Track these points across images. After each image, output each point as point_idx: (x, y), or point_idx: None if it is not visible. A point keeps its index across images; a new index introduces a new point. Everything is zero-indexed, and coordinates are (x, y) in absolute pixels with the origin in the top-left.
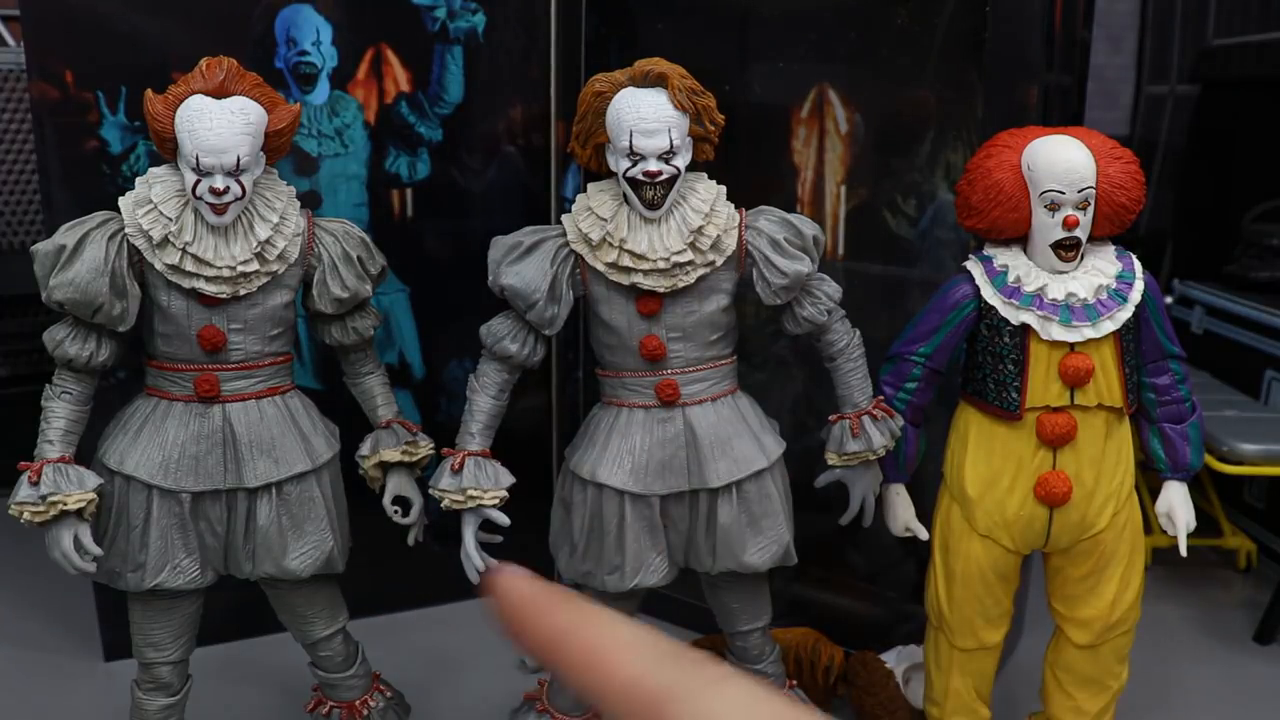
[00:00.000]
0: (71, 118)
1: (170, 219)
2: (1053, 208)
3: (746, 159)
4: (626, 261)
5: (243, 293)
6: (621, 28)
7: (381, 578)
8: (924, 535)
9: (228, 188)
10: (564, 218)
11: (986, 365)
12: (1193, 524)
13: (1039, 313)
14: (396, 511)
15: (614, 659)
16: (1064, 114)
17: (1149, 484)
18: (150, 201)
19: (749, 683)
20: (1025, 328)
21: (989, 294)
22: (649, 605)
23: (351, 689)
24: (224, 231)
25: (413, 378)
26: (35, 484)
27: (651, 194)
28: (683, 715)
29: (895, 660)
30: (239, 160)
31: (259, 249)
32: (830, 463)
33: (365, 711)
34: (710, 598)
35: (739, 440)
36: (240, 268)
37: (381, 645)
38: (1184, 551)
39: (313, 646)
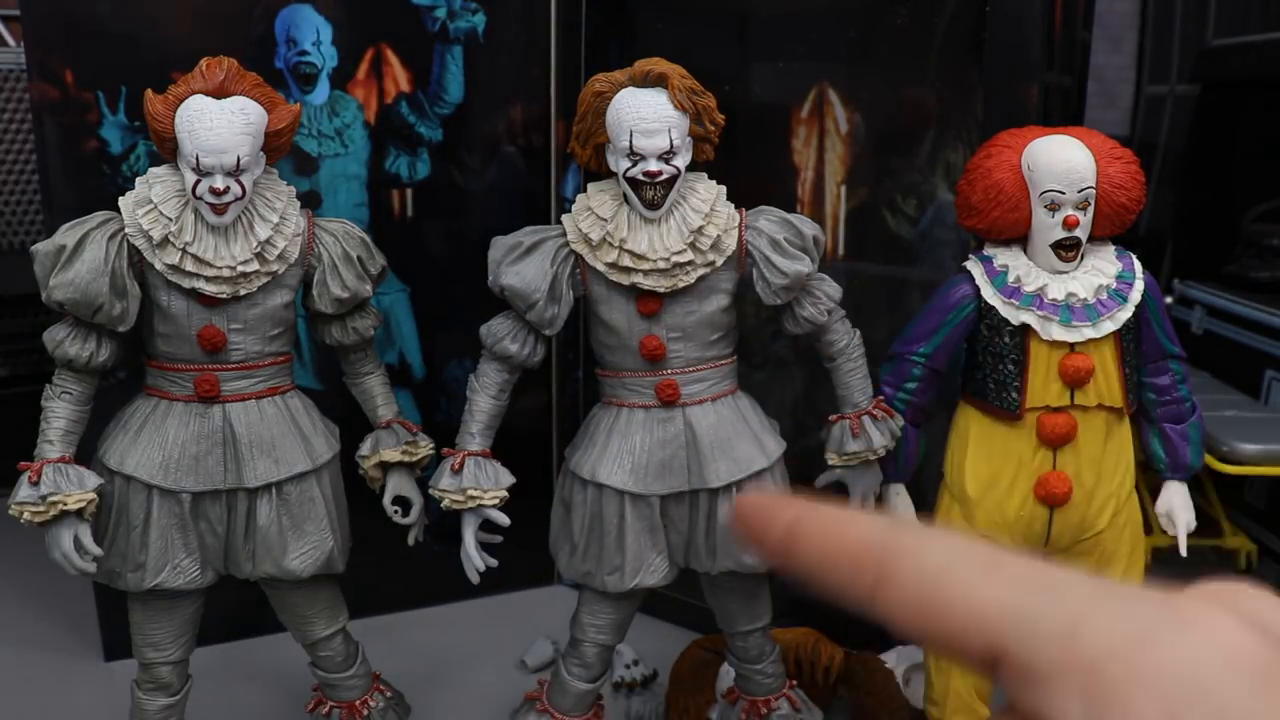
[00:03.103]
0: (71, 118)
1: (170, 219)
2: (1053, 208)
3: (746, 159)
4: (626, 261)
5: (243, 293)
6: (621, 28)
7: (381, 578)
8: None
9: (228, 188)
10: (564, 218)
11: (986, 365)
12: (1193, 524)
13: (1039, 313)
14: (396, 511)
15: (841, 529)
16: (1064, 114)
17: (1149, 484)
18: (150, 201)
19: (960, 536)
20: (1025, 328)
21: (989, 294)
22: (649, 605)
23: (351, 689)
24: (224, 231)
25: (413, 378)
26: (35, 484)
27: (651, 194)
28: (904, 569)
29: (895, 660)
30: (239, 160)
31: (259, 249)
32: (830, 463)
33: (365, 711)
34: (710, 598)
35: (739, 440)
36: (240, 268)
37: (381, 645)
38: (1184, 551)
39: (313, 646)
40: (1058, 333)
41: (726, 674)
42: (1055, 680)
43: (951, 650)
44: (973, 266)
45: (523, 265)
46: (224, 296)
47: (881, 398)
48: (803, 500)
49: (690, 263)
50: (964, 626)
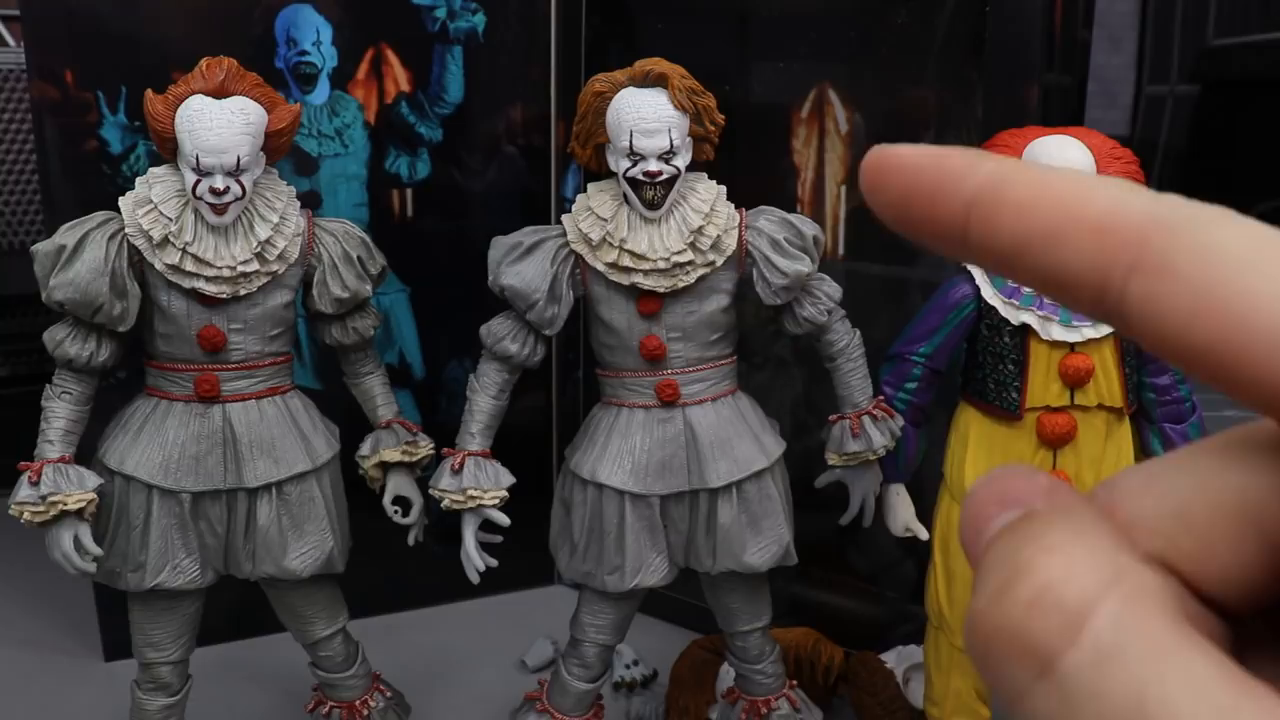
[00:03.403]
0: (71, 118)
1: (170, 219)
2: None
3: (746, 159)
4: (626, 261)
5: (243, 293)
6: (621, 28)
7: (381, 578)
8: (924, 535)
9: (228, 188)
10: (564, 218)
11: (986, 365)
12: None
13: (1039, 313)
14: (396, 511)
15: (1079, 191)
16: (1064, 114)
17: None
18: (150, 201)
19: (1252, 221)
20: (1025, 328)
21: (989, 294)
22: (649, 605)
23: (351, 689)
24: (224, 231)
25: (413, 378)
26: (35, 484)
27: (651, 194)
28: (1179, 247)
29: (895, 660)
30: (239, 160)
31: (259, 249)
32: (830, 463)
33: (365, 711)
34: (710, 598)
35: (739, 440)
36: (240, 268)
37: (381, 645)
38: None
39: (313, 646)
40: (1058, 333)
41: (726, 674)
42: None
43: (1239, 378)
44: (973, 266)
45: (523, 265)
46: (224, 296)
47: (881, 398)
48: (992, 154)
49: (690, 263)
50: (1272, 342)
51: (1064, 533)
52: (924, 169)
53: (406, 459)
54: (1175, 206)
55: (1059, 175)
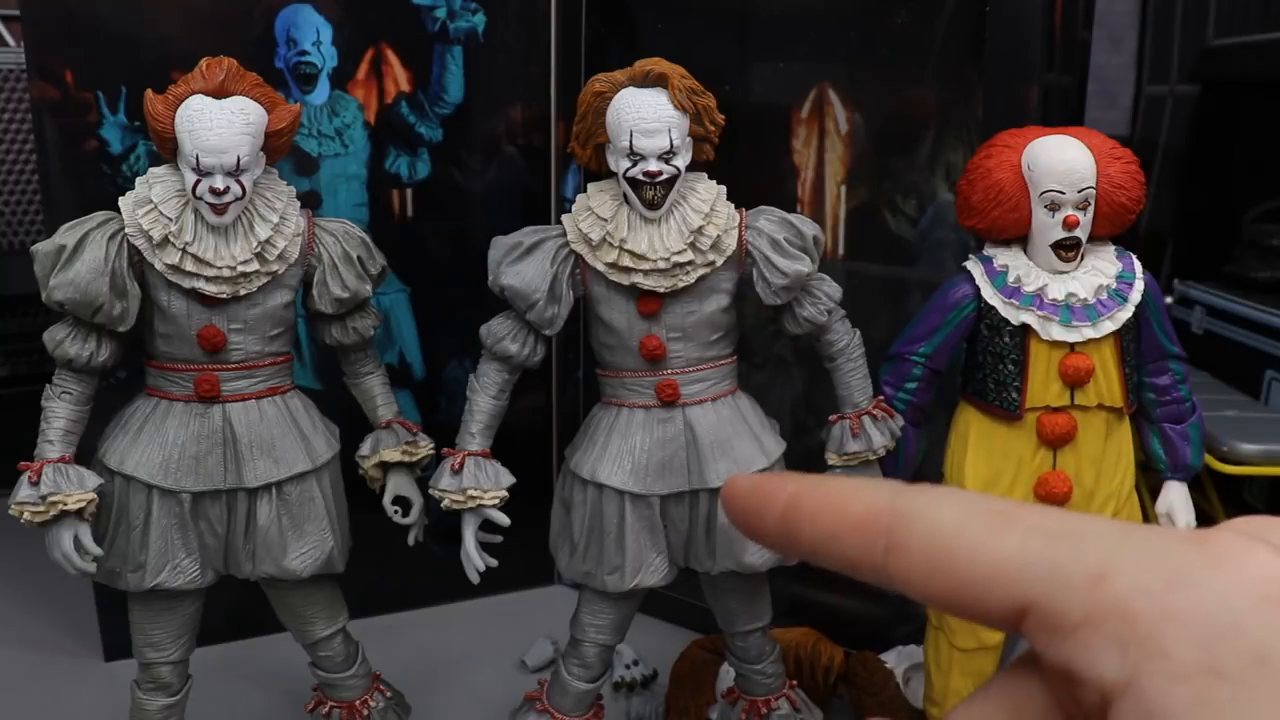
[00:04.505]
0: (71, 118)
1: (170, 219)
2: (1053, 208)
3: (746, 159)
4: (626, 261)
5: (243, 293)
6: (621, 28)
7: (381, 578)
8: None
9: (228, 188)
10: (564, 218)
11: (986, 365)
12: (1193, 524)
13: (1039, 313)
14: (396, 511)
15: (844, 499)
16: (1064, 114)
17: (1149, 484)
18: (150, 201)
19: (970, 492)
20: (1025, 328)
21: (989, 294)
22: (649, 605)
23: (351, 689)
24: (224, 231)
25: (413, 378)
26: (35, 484)
27: (651, 194)
28: (913, 532)
29: (895, 660)
30: (239, 160)
31: (259, 249)
32: (830, 463)
33: (365, 711)
34: (710, 598)
35: (739, 440)
36: (240, 268)
37: (381, 645)
38: None
39: (313, 646)
40: (1058, 333)
41: (726, 674)
42: (1086, 629)
43: (973, 611)
44: (973, 266)
45: (523, 265)
46: (224, 296)
47: (881, 398)
48: (797, 475)
49: (690, 263)
50: (984, 583)
51: None
52: (749, 495)
53: (406, 459)
54: (910, 498)
55: (833, 488)
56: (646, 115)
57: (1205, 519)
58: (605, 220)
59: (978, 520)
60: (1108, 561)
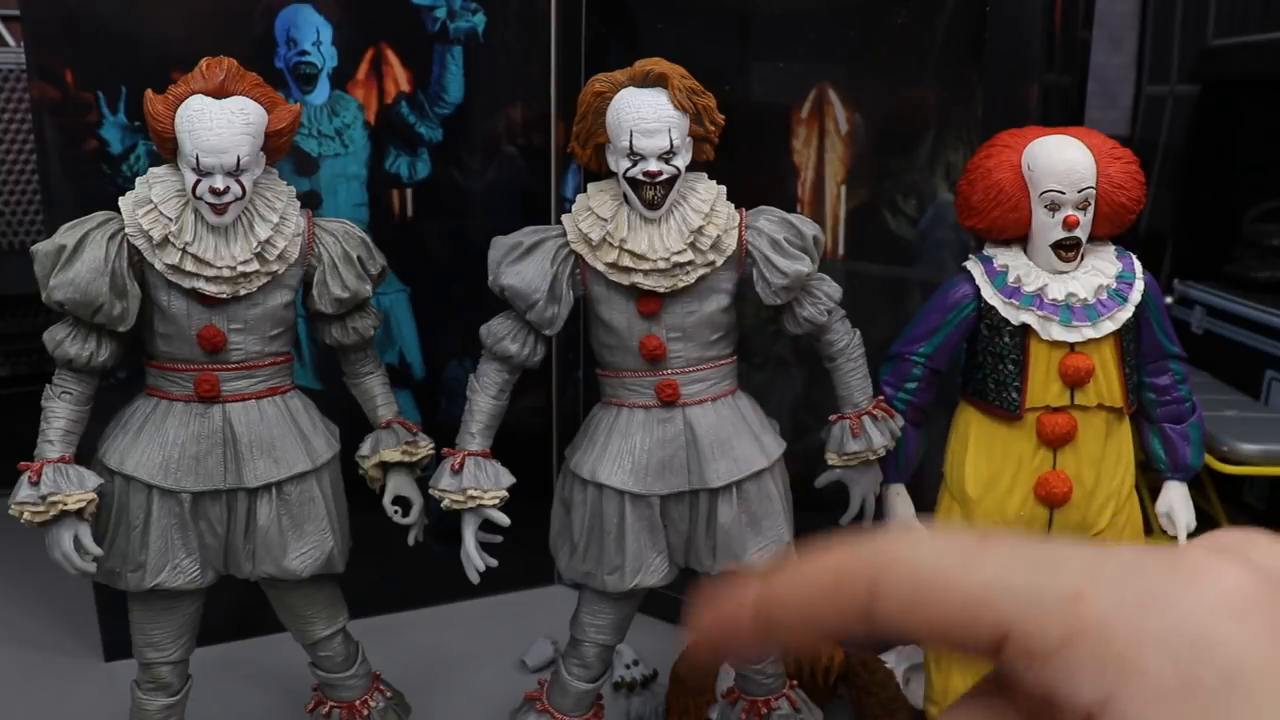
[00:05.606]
0: (71, 118)
1: (170, 219)
2: (1053, 208)
3: (746, 159)
4: (626, 261)
5: (243, 293)
6: (621, 28)
7: (381, 578)
8: None
9: (228, 188)
10: (564, 218)
11: (986, 365)
12: (1193, 524)
13: (1039, 313)
14: (396, 511)
15: (816, 568)
16: (1064, 114)
17: (1149, 484)
18: (150, 201)
19: (943, 531)
20: (1025, 328)
21: (989, 294)
22: (649, 605)
23: (351, 689)
24: (224, 231)
25: (413, 378)
26: (35, 484)
27: (651, 194)
28: (892, 578)
29: (895, 660)
30: (239, 160)
31: (259, 249)
32: (830, 463)
33: (365, 711)
34: None
35: (739, 440)
36: (240, 268)
37: (381, 645)
38: None
39: (313, 646)
40: (1058, 333)
41: (726, 674)
42: (1063, 652)
43: (960, 643)
44: (973, 266)
45: (523, 265)
46: (224, 296)
47: (881, 398)
48: (747, 578)
49: (690, 263)
50: (965, 615)
51: None
52: (711, 623)
53: (406, 459)
54: (886, 547)
55: (796, 567)
56: (646, 115)
57: (1205, 519)
58: (605, 220)
59: (954, 554)
60: (1083, 584)
